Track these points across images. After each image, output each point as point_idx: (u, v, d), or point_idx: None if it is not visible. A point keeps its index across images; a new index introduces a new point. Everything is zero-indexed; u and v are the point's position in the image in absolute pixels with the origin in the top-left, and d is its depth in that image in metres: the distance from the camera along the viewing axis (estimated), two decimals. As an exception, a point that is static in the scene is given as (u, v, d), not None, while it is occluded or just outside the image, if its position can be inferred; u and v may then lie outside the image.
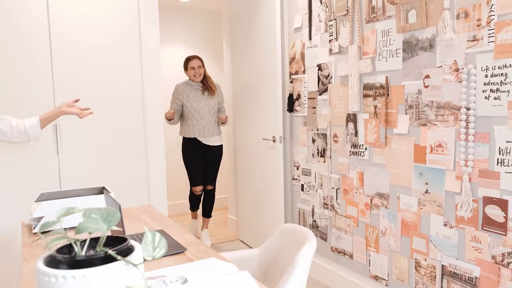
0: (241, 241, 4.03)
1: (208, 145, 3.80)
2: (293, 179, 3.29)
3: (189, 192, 3.93)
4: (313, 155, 3.03)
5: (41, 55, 2.77)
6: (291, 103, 3.22)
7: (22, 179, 2.75)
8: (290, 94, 3.23)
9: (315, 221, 3.06)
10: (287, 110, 3.26)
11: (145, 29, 3.05)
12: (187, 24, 5.07)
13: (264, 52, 3.38)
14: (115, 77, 2.99)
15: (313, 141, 3.01)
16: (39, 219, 1.88)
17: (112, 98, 2.99)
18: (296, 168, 3.24)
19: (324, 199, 2.94)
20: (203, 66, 3.77)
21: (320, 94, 2.90)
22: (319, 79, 2.91)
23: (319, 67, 2.89)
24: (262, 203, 3.57)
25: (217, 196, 5.36)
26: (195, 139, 3.77)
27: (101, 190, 2.23)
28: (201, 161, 3.82)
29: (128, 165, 3.06)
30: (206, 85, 3.77)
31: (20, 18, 2.71)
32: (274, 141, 3.28)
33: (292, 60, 3.19)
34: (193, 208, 3.99)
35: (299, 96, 3.13)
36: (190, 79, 3.79)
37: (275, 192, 3.33)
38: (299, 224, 3.26)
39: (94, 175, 2.95)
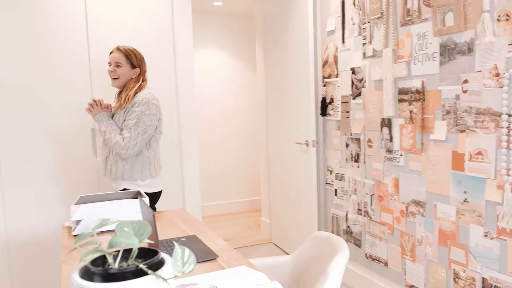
0: (274, 244, 4.03)
1: None
2: (326, 183, 3.26)
3: None
4: (346, 160, 2.99)
5: (80, 61, 2.87)
6: (324, 107, 3.19)
7: (62, 180, 2.86)
8: (323, 97, 3.20)
9: (348, 227, 3.02)
10: (320, 114, 3.24)
11: (179, 34, 3.10)
12: (220, 27, 5.12)
13: (296, 55, 3.37)
14: (150, 81, 3.06)
15: (347, 145, 2.97)
16: (78, 222, 1.95)
17: (148, 103, 3.06)
18: (329, 172, 3.21)
19: (358, 205, 2.90)
20: (137, 65, 2.44)
21: (354, 98, 2.86)
22: (352, 83, 2.86)
23: (353, 71, 2.85)
24: (295, 207, 3.55)
25: (250, 197, 5.40)
26: None
27: (137, 194, 2.28)
28: None
29: (163, 167, 3.12)
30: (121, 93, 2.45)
31: (61, 26, 2.81)
32: (307, 145, 3.26)
33: (325, 63, 3.15)
34: None
35: (332, 100, 3.10)
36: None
37: (308, 197, 3.31)
38: (332, 229, 3.22)
39: (131, 178, 3.03)
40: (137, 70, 2.44)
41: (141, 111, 2.32)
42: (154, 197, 2.52)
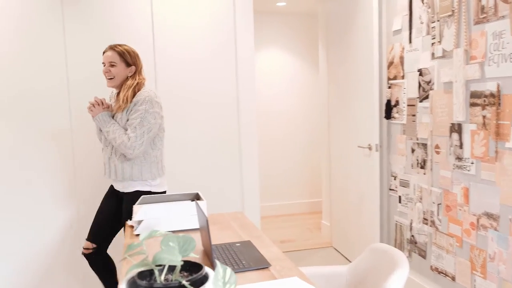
0: (335, 248, 3.94)
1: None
2: (390, 189, 3.12)
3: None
4: (412, 166, 2.84)
5: (146, 69, 2.99)
6: (388, 109, 3.06)
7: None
8: (387, 100, 3.06)
9: (413, 236, 2.87)
10: (384, 117, 3.10)
11: (241, 38, 3.12)
12: (283, 27, 5.10)
13: (360, 55, 3.25)
14: (212, 85, 3.11)
15: (412, 150, 2.82)
16: (139, 222, 2.03)
17: (208, 106, 3.12)
18: (393, 178, 3.07)
19: (423, 214, 2.74)
20: (132, 63, 2.38)
21: (421, 101, 2.70)
22: (419, 85, 2.71)
23: (420, 72, 2.69)
24: (357, 211, 3.45)
25: (311, 199, 5.33)
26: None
27: (195, 196, 2.33)
28: (109, 211, 2.51)
29: (223, 169, 3.17)
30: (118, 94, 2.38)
31: (128, 36, 2.95)
32: (370, 149, 3.14)
33: (390, 64, 3.01)
34: None
35: (397, 103, 2.96)
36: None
37: (370, 202, 3.19)
38: (395, 237, 3.08)
39: (192, 177, 3.11)
40: (133, 68, 2.37)
41: (145, 110, 2.27)
42: None
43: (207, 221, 1.57)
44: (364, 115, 3.23)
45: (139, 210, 2.05)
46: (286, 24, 5.10)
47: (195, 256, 0.91)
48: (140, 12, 2.94)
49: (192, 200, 2.32)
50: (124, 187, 2.41)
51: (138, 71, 2.39)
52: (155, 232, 0.95)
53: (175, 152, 3.07)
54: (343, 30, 3.55)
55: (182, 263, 0.78)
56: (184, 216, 2.07)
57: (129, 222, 2.18)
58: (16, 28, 2.75)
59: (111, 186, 2.54)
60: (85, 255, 2.49)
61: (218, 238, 1.95)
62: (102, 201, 2.55)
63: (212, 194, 3.16)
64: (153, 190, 2.43)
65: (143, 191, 2.42)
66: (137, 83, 2.35)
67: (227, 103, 3.14)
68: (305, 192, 5.32)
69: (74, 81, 2.86)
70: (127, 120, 2.31)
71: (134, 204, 2.30)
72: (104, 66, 2.35)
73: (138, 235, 2.02)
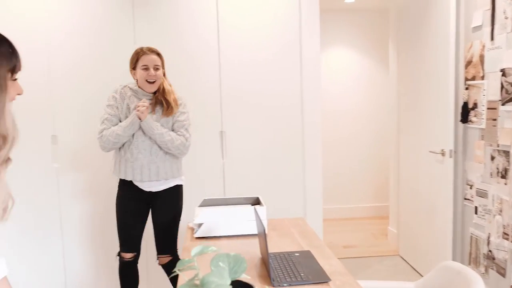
0: (401, 257, 3.74)
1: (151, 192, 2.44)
2: (464, 199, 2.89)
3: (119, 260, 2.52)
4: (491, 175, 2.59)
5: (211, 72, 3.01)
6: (465, 112, 2.82)
7: (190, 181, 3.04)
8: (464, 102, 2.83)
9: (490, 251, 2.63)
10: (460, 120, 2.87)
11: (306, 38, 3.04)
12: (351, 25, 4.93)
13: (435, 53, 3.03)
14: (275, 86, 3.07)
15: (492, 158, 2.58)
16: (200, 225, 2.04)
17: (271, 107, 3.08)
18: (469, 187, 2.83)
19: (503, 228, 2.50)
20: (163, 67, 2.39)
21: (503, 104, 2.46)
22: (502, 87, 2.46)
23: (503, 73, 2.44)
24: (428, 220, 3.23)
25: (376, 203, 5.11)
26: (131, 182, 2.41)
27: (256, 201, 2.31)
28: (141, 216, 2.48)
29: (285, 171, 3.12)
30: (161, 98, 2.36)
31: (193, 43, 2.98)
32: (443, 154, 2.93)
33: (468, 63, 2.78)
34: None
35: (475, 105, 2.72)
36: (137, 83, 2.38)
37: (442, 211, 2.98)
38: (470, 251, 2.84)
39: (254, 179, 3.09)
40: (164, 71, 2.41)
41: (188, 111, 2.44)
42: None
43: (264, 230, 1.53)
44: (438, 118, 3.01)
45: (200, 213, 2.06)
46: (353, 21, 4.93)
47: (246, 277, 0.87)
48: (206, 14, 2.97)
49: (253, 205, 2.30)
50: (160, 185, 2.41)
51: (165, 74, 2.44)
52: (207, 248, 0.92)
53: (237, 154, 3.07)
54: (416, 27, 3.33)
55: (230, 287, 0.74)
56: (244, 221, 2.05)
57: (189, 224, 2.20)
58: (90, 28, 2.89)
59: (129, 191, 2.42)
60: (126, 262, 2.46)
61: (276, 245, 1.90)
62: (127, 208, 2.43)
63: (273, 196, 3.12)
64: (182, 184, 2.53)
65: (179, 185, 2.50)
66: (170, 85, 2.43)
67: (290, 104, 3.09)
68: (370, 195, 5.12)
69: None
70: (173, 122, 2.39)
71: (173, 198, 2.44)
72: (146, 69, 2.30)
73: (198, 238, 2.03)
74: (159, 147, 2.36)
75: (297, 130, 3.10)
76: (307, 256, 1.74)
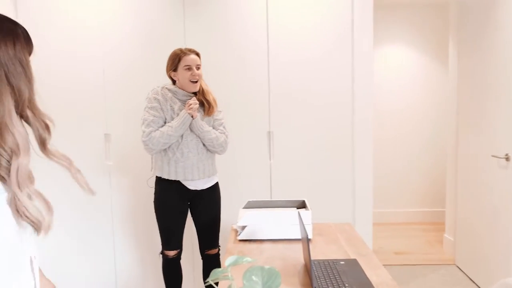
0: (458, 267, 3.52)
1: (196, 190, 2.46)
2: (531, 208, 2.65)
3: (162, 258, 2.56)
4: (562, 183, 2.36)
5: (260, 71, 2.98)
6: (534, 114, 2.59)
7: (236, 181, 3.03)
8: (533, 103, 2.59)
9: (560, 267, 2.39)
10: (528, 123, 2.64)
11: (358, 36, 2.93)
12: (407, 21, 4.72)
13: (502, 51, 2.82)
14: (325, 86, 2.98)
15: None
16: (243, 227, 2.02)
17: (320, 106, 3.00)
18: (536, 195, 2.60)
19: None
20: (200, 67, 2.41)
21: None
22: None
23: None
24: (488, 229, 3.01)
25: (431, 208, 4.87)
26: (177, 182, 2.42)
27: (302, 204, 2.25)
28: (183, 214, 2.50)
29: (334, 173, 3.03)
30: (201, 99, 2.39)
31: (241, 42, 2.97)
32: (507, 159, 2.71)
33: (538, 61, 2.54)
34: None
35: (546, 107, 2.48)
36: (177, 84, 2.40)
37: (505, 220, 2.76)
38: (536, 265, 2.61)
39: (302, 181, 3.03)
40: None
41: (222, 110, 2.50)
42: None
43: (307, 236, 1.47)
44: (503, 121, 2.79)
45: (244, 216, 2.03)
46: (409, 17, 4.71)
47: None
48: (255, 12, 2.94)
49: (298, 208, 2.24)
50: (204, 183, 2.46)
51: None
52: (242, 259, 0.88)
53: (285, 155, 3.02)
54: (480, 22, 3.11)
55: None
56: (288, 225, 2.00)
57: (233, 226, 2.19)
58: (143, 30, 2.96)
59: (171, 190, 2.42)
60: (170, 260, 2.49)
61: (321, 252, 1.84)
62: (170, 207, 2.44)
63: (321, 198, 3.04)
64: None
65: (217, 182, 2.57)
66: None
67: (340, 103, 2.99)
68: (424, 200, 4.87)
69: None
70: (213, 120, 2.45)
71: (216, 196, 2.53)
72: (189, 69, 2.32)
73: (241, 240, 2.01)
74: (204, 145, 2.40)
75: (346, 130, 3.00)
76: (353, 265, 1.67)
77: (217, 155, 2.56)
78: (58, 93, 2.99)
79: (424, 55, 4.74)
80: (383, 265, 3.52)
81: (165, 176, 2.40)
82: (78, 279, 3.10)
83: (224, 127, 2.48)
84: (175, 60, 2.35)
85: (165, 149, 2.38)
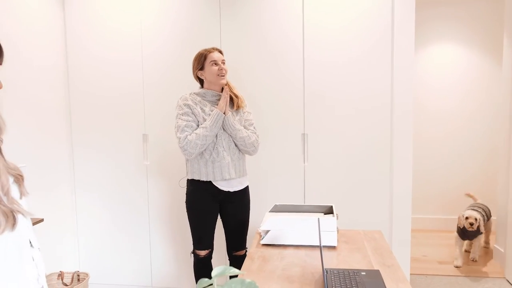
0: (508, 281, 3.28)
1: (228, 192, 2.46)
2: None
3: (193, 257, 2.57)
4: None
5: (294, 74, 2.94)
6: None
7: (270, 183, 3.01)
8: None
9: None
10: None
11: (399, 35, 2.81)
12: (454, 18, 4.47)
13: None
14: (362, 87, 2.89)
15: None
16: (267, 232, 2.00)
17: (357, 109, 2.91)
18: None
19: None
20: None
21: None
22: None
23: None
24: (539, 243, 2.78)
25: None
26: (209, 183, 2.43)
27: (330, 209, 2.19)
28: (214, 215, 2.50)
29: (370, 177, 2.92)
30: (230, 92, 2.43)
31: (277, 44, 2.93)
32: (561, 167, 2.48)
33: None
34: None
35: None
36: (205, 84, 2.45)
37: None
38: None
39: (336, 185, 2.96)
40: None
41: (251, 111, 2.52)
42: None
43: (320, 243, 1.43)
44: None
45: (268, 220, 2.01)
46: (457, 13, 4.45)
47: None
48: (291, 13, 2.90)
49: (326, 213, 2.19)
50: (238, 184, 2.46)
51: None
52: (229, 270, 0.87)
53: (319, 158, 2.96)
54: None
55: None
56: (312, 231, 1.96)
57: (258, 229, 2.17)
58: (180, 32, 3.02)
59: (204, 191, 2.43)
60: (202, 259, 2.50)
61: (344, 261, 1.77)
62: (202, 208, 2.45)
63: (357, 203, 2.95)
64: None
65: (247, 186, 2.55)
66: None
67: (379, 105, 2.88)
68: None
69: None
70: (243, 121, 2.45)
71: (246, 198, 2.51)
72: (215, 64, 2.37)
73: (264, 245, 1.98)
74: (235, 145, 2.42)
75: (385, 133, 2.89)
76: (374, 276, 1.59)
77: (248, 157, 2.56)
78: (102, 94, 3.13)
79: (474, 52, 4.47)
80: (425, 274, 3.39)
81: (203, 178, 2.39)
82: (116, 274, 3.23)
83: (254, 127, 2.49)
84: (201, 59, 2.40)
85: (201, 152, 2.38)
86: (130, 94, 3.10)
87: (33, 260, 0.94)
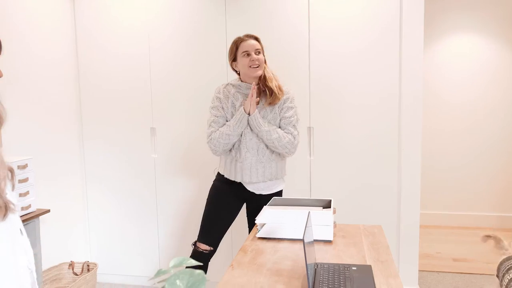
0: (524, 280, 3.16)
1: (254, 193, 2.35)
2: None
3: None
4: None
5: (301, 65, 2.90)
6: None
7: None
8: None
9: None
10: None
11: (407, 25, 2.74)
12: (471, 8, 4.30)
13: None
14: (369, 79, 2.83)
15: None
16: (263, 225, 1.98)
17: (365, 102, 2.85)
18: None
19: None
20: (263, 53, 2.25)
21: None
22: None
23: None
24: (555, 241, 2.66)
25: (499, 213, 4.43)
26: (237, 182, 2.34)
27: (329, 203, 2.15)
28: (233, 212, 2.40)
29: (378, 171, 2.87)
30: (263, 86, 2.24)
31: (284, 31, 2.90)
32: None
33: None
34: None
35: None
36: (240, 76, 2.30)
37: None
38: None
39: (343, 178, 2.92)
40: (265, 57, 2.26)
41: (295, 106, 2.28)
42: None
43: (304, 241, 1.40)
44: None
45: (263, 213, 2.00)
46: (475, 3, 4.29)
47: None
48: (297, 2, 2.86)
49: (325, 207, 2.15)
50: (266, 188, 2.34)
51: (265, 61, 2.28)
52: (186, 260, 0.86)
53: (325, 151, 2.92)
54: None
55: None
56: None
57: (256, 221, 2.15)
58: (186, 27, 3.02)
59: (229, 185, 2.35)
60: (200, 253, 2.37)
61: (337, 255, 1.75)
62: (221, 202, 2.36)
63: (364, 197, 2.90)
64: (283, 188, 2.43)
65: (281, 190, 2.41)
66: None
67: (386, 98, 2.82)
68: (490, 203, 4.44)
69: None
70: (280, 118, 2.26)
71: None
72: (247, 55, 2.19)
73: (260, 238, 1.97)
74: (266, 146, 2.26)
75: (393, 126, 2.83)
76: (364, 271, 1.56)
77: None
78: (110, 88, 3.17)
79: (495, 42, 4.30)
80: (439, 271, 3.30)
81: (229, 176, 2.32)
82: (124, 265, 3.28)
83: (293, 126, 2.26)
84: (233, 49, 2.24)
85: (230, 149, 2.29)
86: (138, 88, 3.13)
87: (22, 247, 0.96)
